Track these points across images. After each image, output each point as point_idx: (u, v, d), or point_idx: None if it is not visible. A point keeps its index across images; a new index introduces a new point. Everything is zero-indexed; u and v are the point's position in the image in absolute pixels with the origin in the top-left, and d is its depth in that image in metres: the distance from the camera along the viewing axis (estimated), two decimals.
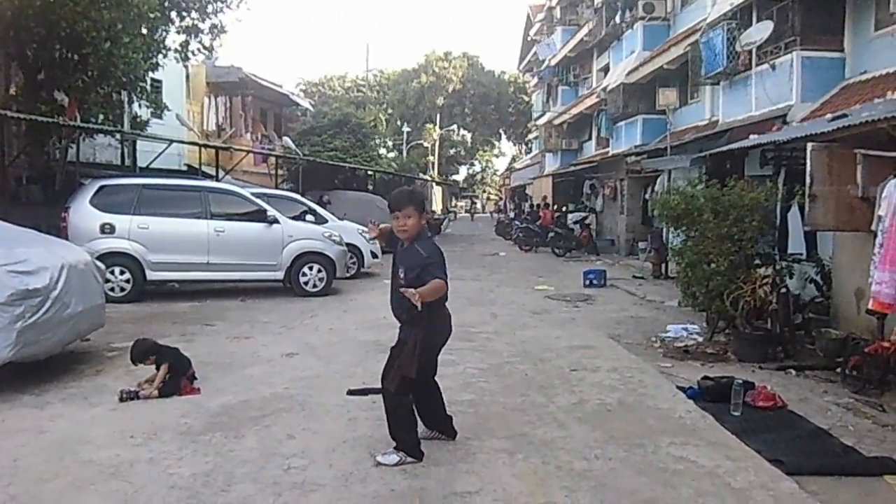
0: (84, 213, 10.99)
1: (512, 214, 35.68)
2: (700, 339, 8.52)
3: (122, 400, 5.54)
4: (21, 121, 12.75)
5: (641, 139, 20.72)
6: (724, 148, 11.25)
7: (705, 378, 6.30)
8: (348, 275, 13.61)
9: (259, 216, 11.40)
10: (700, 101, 18.23)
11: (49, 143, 15.46)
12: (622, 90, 21.78)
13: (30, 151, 14.59)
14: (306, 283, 11.76)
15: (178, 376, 5.78)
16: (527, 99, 53.37)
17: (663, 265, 15.47)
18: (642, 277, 15.41)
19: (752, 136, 10.91)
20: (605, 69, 26.18)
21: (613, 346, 8.21)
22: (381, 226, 4.90)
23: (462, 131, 63.10)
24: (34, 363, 6.00)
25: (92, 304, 6.69)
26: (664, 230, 15.69)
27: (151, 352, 5.83)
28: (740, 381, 5.82)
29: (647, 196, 20.77)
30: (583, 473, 4.20)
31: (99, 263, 7.35)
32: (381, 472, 4.15)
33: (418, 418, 4.53)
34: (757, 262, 8.44)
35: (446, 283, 4.23)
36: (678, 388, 6.27)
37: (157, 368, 5.80)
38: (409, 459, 4.25)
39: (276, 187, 20.41)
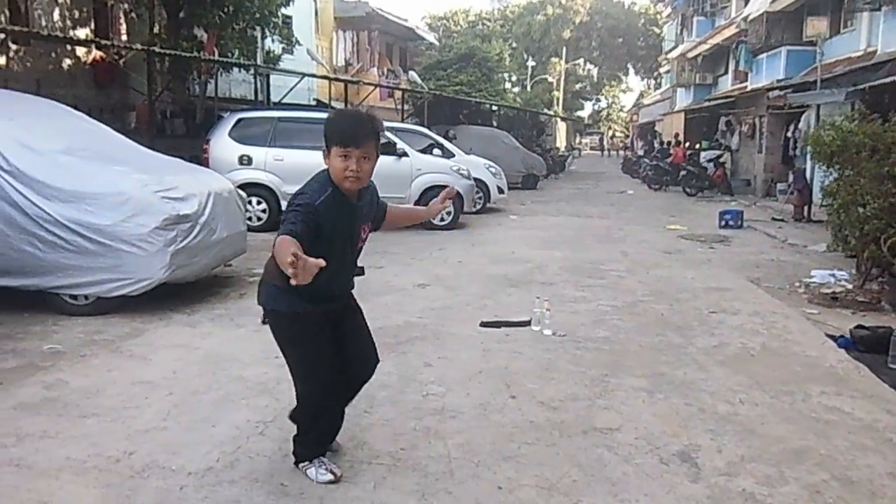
0: (223, 145, 11.44)
1: (641, 152, 34.40)
2: (849, 287, 7.95)
3: (263, 322, 5.74)
4: (165, 57, 13.32)
5: (785, 73, 19.30)
6: (888, 79, 10.28)
7: (859, 327, 5.87)
8: (475, 209, 13.60)
9: (389, 149, 11.49)
10: (855, 30, 16.77)
11: (189, 79, 16.16)
12: (765, 19, 20.33)
13: (173, 87, 15.29)
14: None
15: None
16: (657, 31, 51.02)
17: (806, 207, 14.54)
18: (783, 220, 14.55)
19: None
20: None
21: (753, 289, 7.81)
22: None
23: (588, 65, 61.14)
24: (184, 285, 6.35)
25: (235, 230, 6.97)
26: (808, 169, 14.72)
27: None
28: None
29: (789, 134, 19.50)
30: (727, 417, 4.03)
31: (241, 192, 7.62)
32: (519, 403, 4.13)
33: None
34: None
35: None
36: (827, 335, 5.89)
37: None
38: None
39: (403, 122, 20.54)
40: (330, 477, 3.12)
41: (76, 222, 5.69)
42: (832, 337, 5.84)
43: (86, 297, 5.89)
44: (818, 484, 3.27)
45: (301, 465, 3.19)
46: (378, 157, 2.95)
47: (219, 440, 3.50)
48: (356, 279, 3.22)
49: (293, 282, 2.33)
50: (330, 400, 3.16)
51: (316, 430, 3.20)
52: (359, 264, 3.19)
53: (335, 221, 2.83)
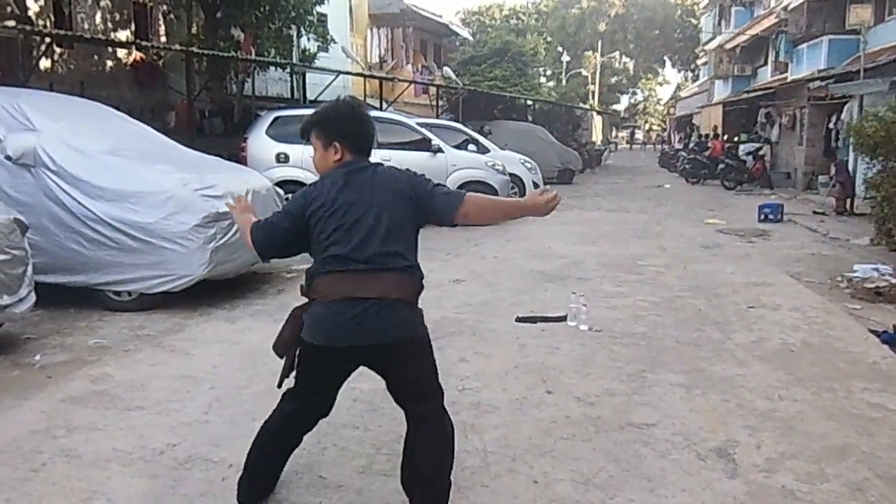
0: (261, 142, 11.60)
1: (679, 146, 33.95)
2: (894, 281, 7.79)
3: None
4: (203, 57, 13.54)
5: (826, 63, 18.92)
6: None
7: None
8: None
9: (424, 145, 11.55)
10: None
11: (227, 78, 16.41)
12: (806, 8, 19.94)
13: (210, 86, 15.53)
14: None
15: None
16: (695, 22, 50.28)
17: (848, 200, 14.24)
18: (824, 213, 14.27)
19: None
20: None
21: (793, 284, 7.69)
22: None
23: (624, 58, 60.52)
24: (224, 281, 6.46)
25: None
26: (850, 162, 14.43)
27: None
28: None
29: (831, 125, 19.11)
30: (766, 414, 3.99)
31: (279, 189, 7.73)
32: (556, 398, 4.14)
33: None
34: None
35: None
36: (870, 331, 5.78)
37: None
38: None
39: (437, 118, 20.57)
40: None
41: (120, 220, 5.85)
42: (875, 332, 5.73)
43: (129, 293, 6.06)
44: (860, 482, 3.22)
45: None
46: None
47: None
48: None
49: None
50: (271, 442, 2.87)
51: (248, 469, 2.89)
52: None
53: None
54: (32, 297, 5.07)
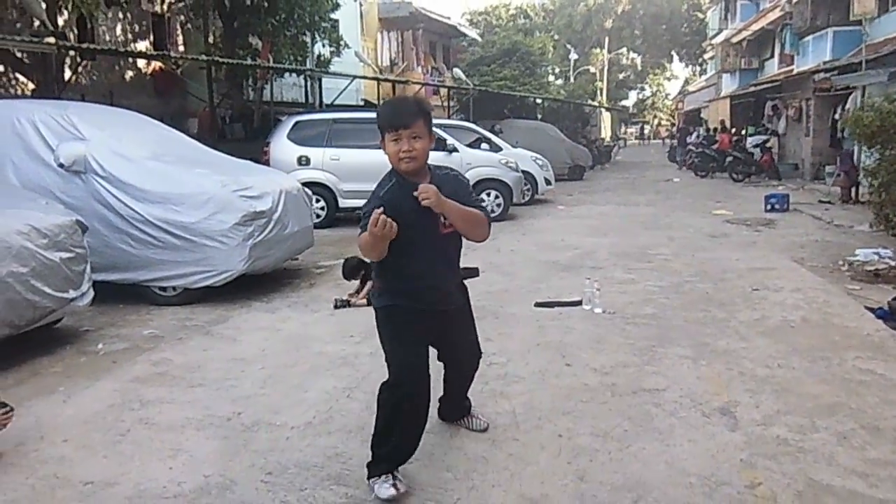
0: (283, 146, 12.07)
1: (674, 141, 34.18)
2: (893, 263, 8.15)
3: (336, 307, 6.32)
4: (221, 65, 14.04)
5: (831, 54, 19.22)
6: None
7: None
8: (523, 200, 14.00)
9: (440, 145, 11.97)
10: None
11: (245, 85, 16.92)
12: (810, 0, 20.20)
13: (231, 93, 16.05)
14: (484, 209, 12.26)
15: None
16: (701, 17, 50.52)
17: (853, 189, 14.59)
18: (829, 202, 14.63)
19: None
20: None
21: (796, 268, 8.08)
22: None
23: (631, 54, 60.92)
24: (260, 276, 6.94)
25: (303, 225, 7.53)
26: (855, 151, 14.76)
27: (360, 267, 6.55)
28: None
29: (836, 116, 19.38)
30: (765, 379, 4.41)
31: (306, 189, 8.19)
32: (574, 370, 4.58)
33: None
34: None
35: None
36: (866, 308, 6.19)
37: (362, 282, 6.53)
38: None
39: (449, 118, 21.01)
40: (392, 492, 2.99)
41: (164, 221, 6.31)
42: (871, 309, 6.13)
43: (174, 288, 6.52)
44: (846, 432, 3.64)
45: (370, 480, 3.08)
46: (431, 137, 2.93)
47: (312, 402, 4.03)
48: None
49: (374, 235, 2.63)
50: (399, 407, 3.04)
51: (388, 444, 3.07)
52: (471, 265, 3.24)
53: (404, 208, 2.78)
54: (91, 293, 5.53)
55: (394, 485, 3.01)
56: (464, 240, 3.11)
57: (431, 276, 3.07)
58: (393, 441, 3.06)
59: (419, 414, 3.09)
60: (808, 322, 5.74)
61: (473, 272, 3.17)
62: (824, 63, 19.11)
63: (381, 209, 2.65)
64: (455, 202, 2.86)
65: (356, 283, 6.64)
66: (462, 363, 3.48)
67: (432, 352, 3.24)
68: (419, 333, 3.09)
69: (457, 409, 3.67)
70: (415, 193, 2.74)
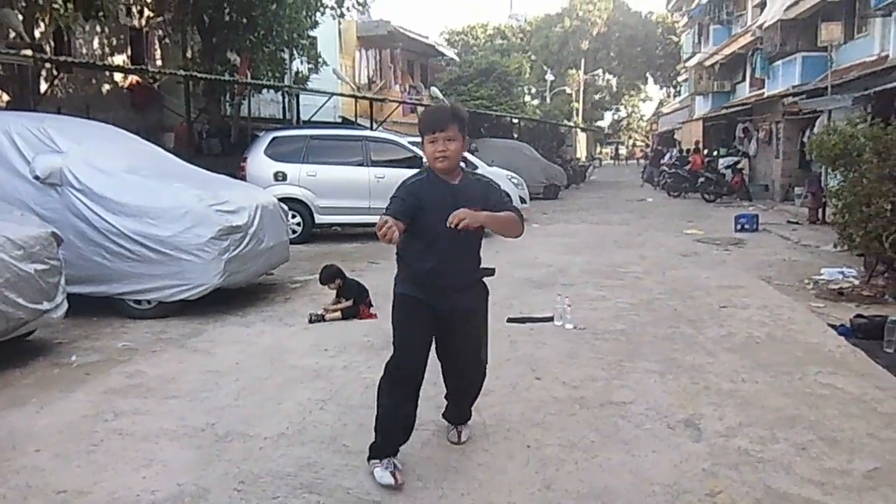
0: (259, 162, 12.11)
1: (645, 161, 34.71)
2: (856, 282, 8.39)
3: (311, 321, 6.37)
4: (199, 80, 14.07)
5: (800, 79, 19.71)
6: (892, 84, 10.71)
7: (858, 316, 6.34)
8: None
9: (416, 162, 12.07)
10: (868, 35, 17.14)
11: (222, 100, 16.94)
12: (780, 26, 20.74)
13: (208, 108, 16.06)
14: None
15: (357, 302, 6.54)
16: (675, 40, 51.39)
17: (820, 210, 14.94)
18: (797, 223, 14.96)
19: None
20: (762, 5, 24.84)
21: (764, 286, 8.28)
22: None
23: (607, 76, 61.77)
24: (236, 290, 6.98)
25: (279, 240, 7.58)
26: (822, 174, 15.11)
27: (337, 275, 6.62)
28: (895, 319, 5.84)
29: (804, 139, 19.84)
30: (730, 393, 4.53)
31: (283, 205, 8.24)
32: (543, 383, 4.67)
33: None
34: None
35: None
36: (830, 325, 6.36)
37: (339, 292, 6.60)
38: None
39: None
40: (390, 480, 3.19)
41: (140, 234, 6.33)
42: (833, 326, 6.31)
43: (149, 301, 6.53)
44: (805, 443, 3.77)
45: (371, 462, 3.32)
46: (465, 140, 3.24)
47: (286, 413, 4.08)
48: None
49: (382, 241, 2.81)
50: (397, 387, 3.28)
51: (382, 426, 3.31)
52: (488, 266, 3.58)
53: (430, 200, 3.12)
54: (65, 305, 5.53)
55: (392, 473, 3.22)
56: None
57: (443, 273, 3.27)
58: (391, 421, 3.30)
59: (410, 396, 3.32)
60: (773, 338, 5.89)
61: (490, 272, 3.33)
62: (793, 87, 19.59)
63: (391, 218, 2.90)
64: (486, 212, 3.12)
65: (332, 297, 6.70)
66: (462, 374, 3.61)
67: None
68: (424, 323, 3.31)
69: (461, 416, 3.80)
70: (448, 225, 2.92)
